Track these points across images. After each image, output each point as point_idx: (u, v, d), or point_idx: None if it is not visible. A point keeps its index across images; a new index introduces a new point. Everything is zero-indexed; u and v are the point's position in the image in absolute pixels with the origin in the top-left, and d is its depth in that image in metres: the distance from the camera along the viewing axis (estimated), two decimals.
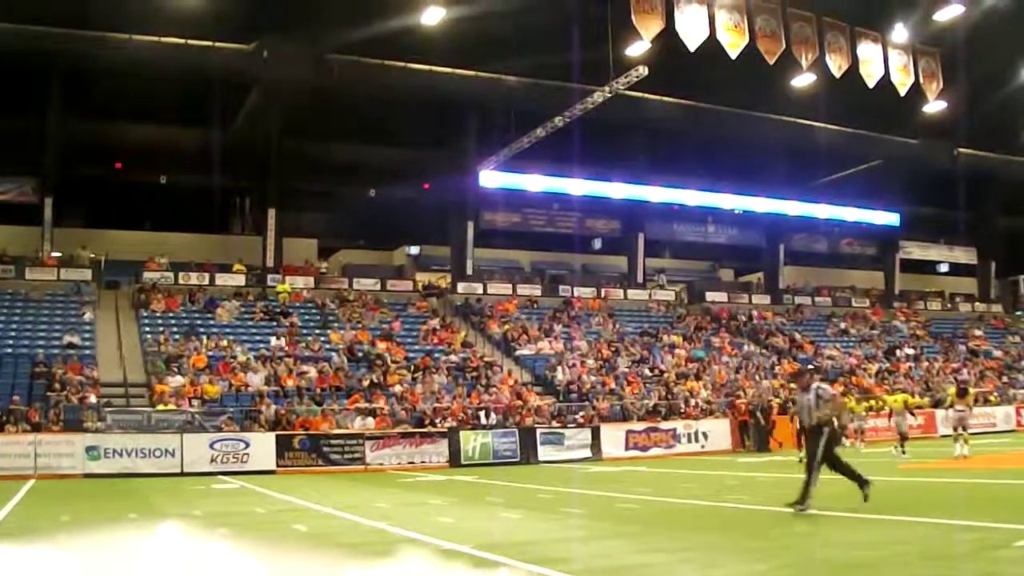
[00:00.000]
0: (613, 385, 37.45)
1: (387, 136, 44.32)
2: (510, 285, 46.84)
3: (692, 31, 34.00)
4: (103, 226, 45.16)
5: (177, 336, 34.70)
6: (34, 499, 19.74)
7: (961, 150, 52.82)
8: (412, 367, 35.78)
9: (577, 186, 47.51)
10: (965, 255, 62.04)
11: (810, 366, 38.65)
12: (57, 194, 40.27)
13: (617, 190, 48.44)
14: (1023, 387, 45.18)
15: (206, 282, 40.15)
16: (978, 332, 53.40)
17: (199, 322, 36.75)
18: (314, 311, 40.11)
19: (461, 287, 45.07)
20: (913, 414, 32.25)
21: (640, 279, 50.70)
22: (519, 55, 39.11)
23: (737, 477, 22.27)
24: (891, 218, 55.97)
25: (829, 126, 48.53)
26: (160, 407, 29.16)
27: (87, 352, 32.96)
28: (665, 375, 39.22)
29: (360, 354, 36.30)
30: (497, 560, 9.05)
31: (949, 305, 58.85)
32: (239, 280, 41.06)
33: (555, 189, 47.84)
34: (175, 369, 31.92)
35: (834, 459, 13.12)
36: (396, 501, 18.23)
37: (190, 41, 36.55)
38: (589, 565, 9.00)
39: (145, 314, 36.49)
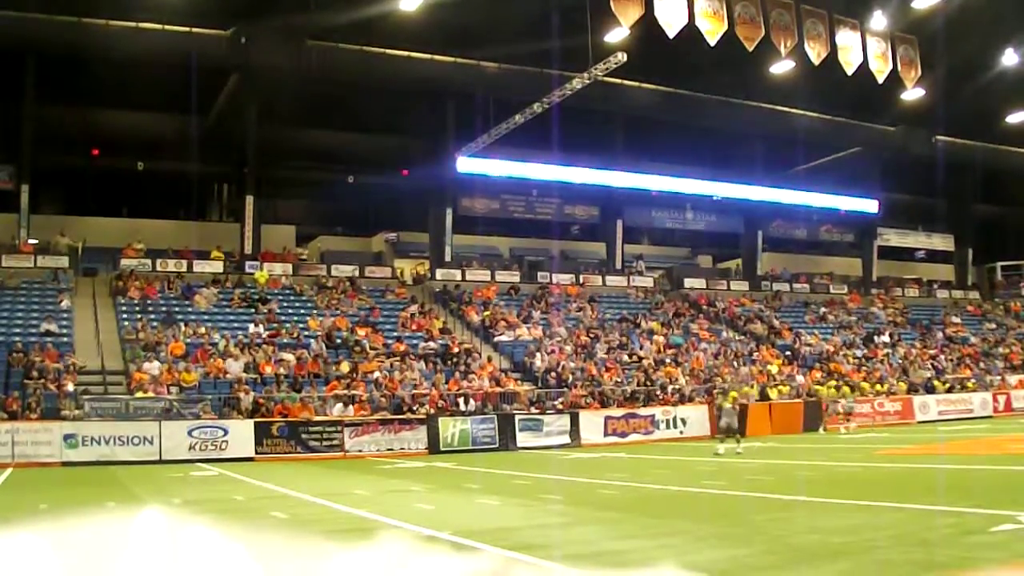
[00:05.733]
0: (592, 371, 37.47)
1: (365, 123, 44.20)
2: (488, 272, 46.73)
3: (671, 18, 33.96)
4: (80, 213, 44.89)
5: (155, 323, 34.49)
6: (12, 488, 19.69)
7: (939, 138, 52.93)
8: (391, 354, 35.74)
9: (555, 172, 47.41)
10: (942, 242, 62.37)
11: None
12: (34, 181, 39.87)
13: (595, 176, 48.35)
14: (999, 374, 45.48)
15: (184, 269, 39.89)
16: (955, 319, 53.65)
17: (177, 309, 36.54)
18: (292, 298, 40.02)
19: (440, 274, 44.95)
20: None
21: (618, 265, 50.70)
22: (498, 41, 39.03)
23: (714, 463, 22.36)
24: (869, 205, 56.12)
25: (808, 113, 48.66)
26: (138, 394, 29.02)
27: (64, 340, 32.78)
28: (644, 361, 39.28)
29: (339, 341, 36.25)
30: (476, 546, 9.09)
31: (927, 292, 59.06)
32: (217, 267, 40.81)
33: (533, 175, 47.76)
34: (153, 356, 31.79)
35: None
36: (375, 488, 18.27)
37: (167, 27, 36.29)
38: (567, 551, 9.02)
39: (123, 301, 36.26)
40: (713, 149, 50.16)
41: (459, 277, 44.87)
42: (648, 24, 33.78)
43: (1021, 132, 52.54)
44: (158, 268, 39.41)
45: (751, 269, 54.89)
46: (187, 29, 36.63)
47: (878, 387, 40.60)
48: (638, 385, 36.80)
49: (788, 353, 43.66)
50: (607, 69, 35.42)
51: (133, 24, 36.01)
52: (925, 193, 57.10)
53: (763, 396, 36.77)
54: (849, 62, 38.63)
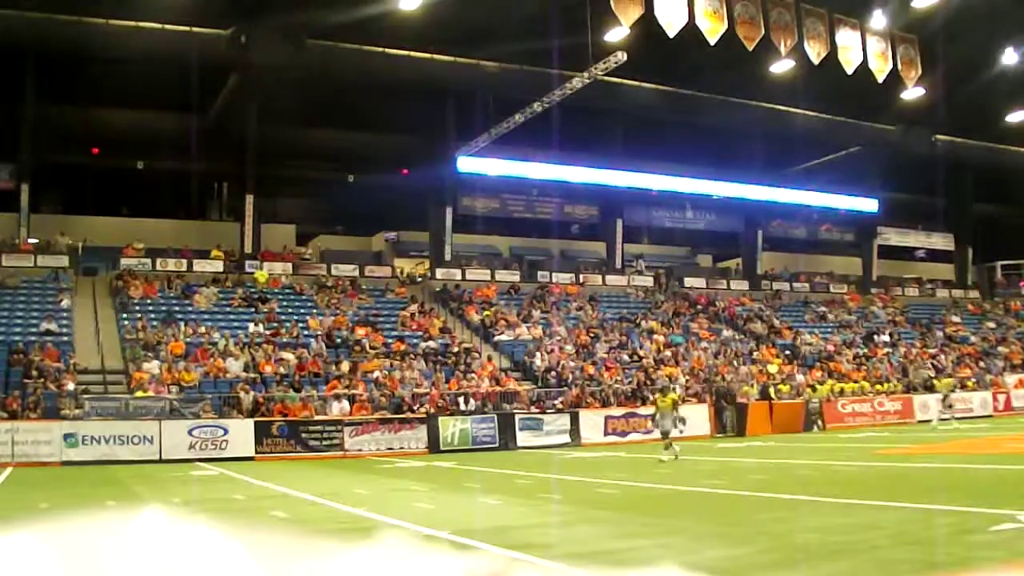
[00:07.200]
0: (592, 371, 37.46)
1: (366, 122, 44.16)
2: (488, 271, 46.74)
3: (671, 17, 33.90)
4: (80, 212, 44.88)
5: (155, 322, 34.52)
6: (12, 487, 19.69)
7: (939, 137, 52.94)
8: (391, 353, 35.75)
9: (555, 171, 47.37)
10: (942, 241, 62.26)
11: None
12: (34, 180, 39.91)
13: (595, 175, 48.28)
14: (999, 373, 45.45)
15: (184, 268, 39.92)
16: (955, 318, 53.67)
17: (177, 308, 36.56)
18: (292, 297, 40.03)
19: (440, 273, 44.95)
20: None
21: (618, 264, 50.70)
22: (498, 40, 39.00)
23: (714, 462, 22.34)
24: (869, 204, 56.09)
25: (807, 112, 48.63)
26: (138, 394, 29.03)
27: (64, 339, 32.77)
28: (644, 361, 39.26)
29: (339, 340, 36.24)
30: (476, 545, 9.08)
31: (927, 291, 59.05)
32: (217, 266, 40.83)
33: (533, 175, 47.69)
34: (153, 356, 31.78)
35: None
36: (375, 487, 18.27)
37: (167, 26, 36.27)
38: (567, 550, 9.02)
39: (122, 300, 36.28)
40: (713, 148, 50.11)
41: (459, 276, 44.86)
42: (648, 23, 33.70)
43: (1021, 131, 52.50)
44: (158, 267, 39.44)
45: (751, 268, 54.83)
46: (187, 28, 36.59)
47: (879, 387, 40.58)
48: (638, 385, 36.76)
49: (788, 352, 43.66)
50: (607, 68, 35.42)
51: (133, 23, 36.01)
52: (925, 192, 57.08)
53: (764, 395, 36.77)
54: (849, 61, 38.56)
